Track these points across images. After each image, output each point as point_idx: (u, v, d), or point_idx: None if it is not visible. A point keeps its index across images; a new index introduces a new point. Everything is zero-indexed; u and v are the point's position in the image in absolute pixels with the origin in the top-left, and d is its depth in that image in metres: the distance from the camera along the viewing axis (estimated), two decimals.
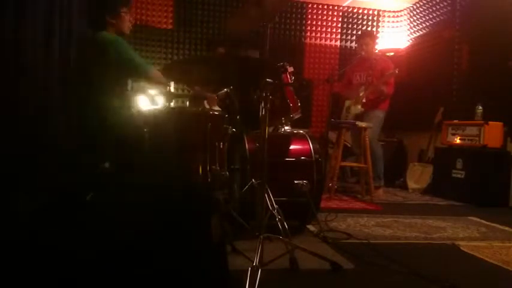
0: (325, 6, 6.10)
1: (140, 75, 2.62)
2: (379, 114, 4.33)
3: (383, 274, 1.94)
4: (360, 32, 5.84)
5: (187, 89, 4.57)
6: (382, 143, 4.91)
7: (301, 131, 2.79)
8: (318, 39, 6.12)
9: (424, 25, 5.61)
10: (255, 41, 4.53)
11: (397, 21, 6.20)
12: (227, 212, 2.11)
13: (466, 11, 4.79)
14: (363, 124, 3.95)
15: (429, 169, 4.66)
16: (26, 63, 3.06)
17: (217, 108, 3.42)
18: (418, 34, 5.74)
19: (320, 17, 6.12)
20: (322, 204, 2.79)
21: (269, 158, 1.89)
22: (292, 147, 2.60)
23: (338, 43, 6.17)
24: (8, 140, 2.92)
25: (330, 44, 6.15)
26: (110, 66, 2.43)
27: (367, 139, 3.93)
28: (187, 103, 4.36)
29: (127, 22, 2.69)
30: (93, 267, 1.25)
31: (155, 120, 2.37)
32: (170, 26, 5.59)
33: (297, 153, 2.58)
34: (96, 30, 2.65)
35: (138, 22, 5.26)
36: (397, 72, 4.18)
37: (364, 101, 4.26)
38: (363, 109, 4.28)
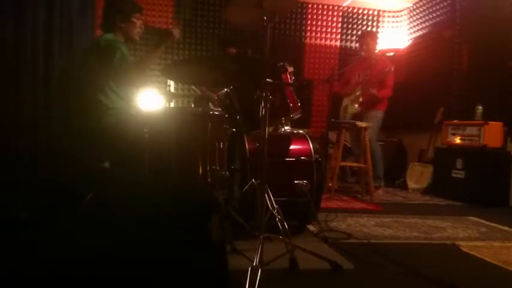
0: (325, 6, 6.10)
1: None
2: (378, 114, 4.34)
3: (383, 274, 1.94)
4: (360, 32, 5.84)
5: (193, 89, 4.57)
6: (382, 143, 4.91)
7: (301, 131, 2.79)
8: (318, 39, 6.12)
9: (424, 25, 5.61)
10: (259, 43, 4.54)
11: (397, 21, 6.20)
12: (227, 212, 2.11)
13: (466, 11, 4.78)
14: (363, 124, 3.95)
15: (429, 169, 4.66)
16: (26, 63, 3.07)
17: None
18: (418, 34, 5.74)
19: (320, 17, 6.12)
20: (322, 204, 2.79)
21: (269, 158, 1.89)
22: (292, 147, 2.60)
23: (338, 43, 6.17)
24: (8, 139, 2.92)
25: (330, 44, 6.15)
26: (114, 67, 2.43)
27: (367, 139, 3.92)
28: (193, 104, 4.37)
29: (137, 28, 2.67)
30: (92, 267, 1.24)
31: (155, 120, 2.37)
32: (170, 26, 5.59)
33: (297, 153, 2.58)
34: (104, 32, 2.64)
35: None
36: (392, 69, 4.18)
37: (361, 100, 4.27)
38: (359, 108, 4.28)
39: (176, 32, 2.50)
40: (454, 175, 4.26)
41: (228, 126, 2.43)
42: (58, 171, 2.97)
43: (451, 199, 4.20)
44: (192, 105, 4.38)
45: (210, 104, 3.82)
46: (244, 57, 2.78)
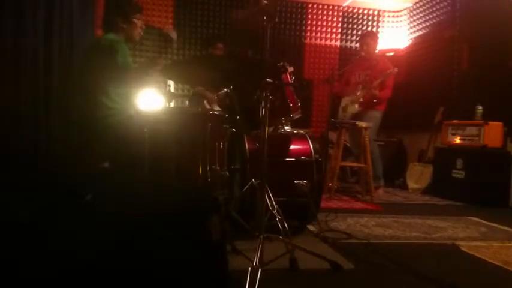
0: (325, 6, 6.10)
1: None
2: (376, 114, 4.33)
3: (383, 274, 1.94)
4: (360, 32, 5.84)
5: (190, 89, 4.59)
6: (382, 143, 4.91)
7: (301, 131, 2.79)
8: (318, 39, 6.12)
9: (424, 25, 5.61)
10: (254, 40, 4.53)
11: (397, 21, 6.20)
12: (227, 212, 2.11)
13: (466, 11, 4.78)
14: (363, 124, 3.95)
15: (429, 169, 4.66)
16: (26, 63, 3.07)
17: (217, 108, 3.43)
18: (418, 34, 5.73)
19: (320, 17, 6.11)
20: (322, 204, 2.79)
21: (269, 158, 1.89)
22: (292, 147, 2.60)
23: (338, 43, 6.17)
24: (8, 139, 2.92)
25: (330, 44, 6.15)
26: (116, 67, 2.43)
27: (366, 139, 3.92)
28: (187, 102, 4.38)
29: (138, 29, 2.68)
30: (93, 268, 1.25)
31: (155, 120, 2.38)
32: (170, 26, 5.59)
33: (297, 153, 2.58)
34: (105, 32, 2.64)
35: None
36: (396, 71, 4.18)
37: (361, 100, 4.27)
38: (359, 108, 4.28)
39: (173, 35, 2.53)
40: (454, 175, 4.26)
41: (228, 126, 2.43)
42: (58, 171, 2.97)
43: (451, 199, 4.20)
44: (187, 103, 4.39)
45: (206, 102, 3.83)
46: (244, 57, 2.78)
